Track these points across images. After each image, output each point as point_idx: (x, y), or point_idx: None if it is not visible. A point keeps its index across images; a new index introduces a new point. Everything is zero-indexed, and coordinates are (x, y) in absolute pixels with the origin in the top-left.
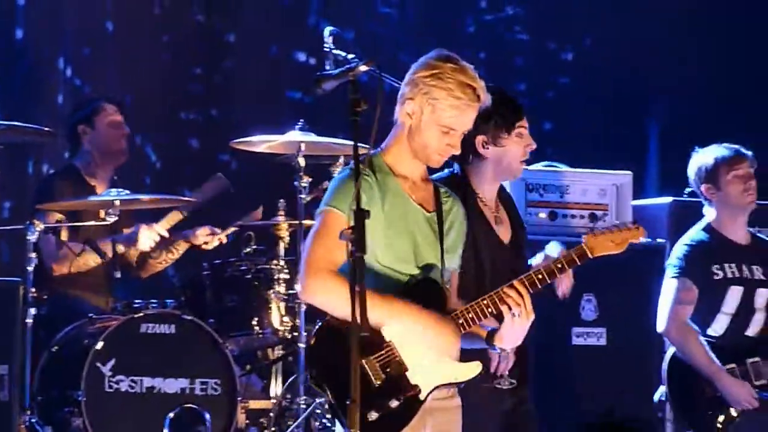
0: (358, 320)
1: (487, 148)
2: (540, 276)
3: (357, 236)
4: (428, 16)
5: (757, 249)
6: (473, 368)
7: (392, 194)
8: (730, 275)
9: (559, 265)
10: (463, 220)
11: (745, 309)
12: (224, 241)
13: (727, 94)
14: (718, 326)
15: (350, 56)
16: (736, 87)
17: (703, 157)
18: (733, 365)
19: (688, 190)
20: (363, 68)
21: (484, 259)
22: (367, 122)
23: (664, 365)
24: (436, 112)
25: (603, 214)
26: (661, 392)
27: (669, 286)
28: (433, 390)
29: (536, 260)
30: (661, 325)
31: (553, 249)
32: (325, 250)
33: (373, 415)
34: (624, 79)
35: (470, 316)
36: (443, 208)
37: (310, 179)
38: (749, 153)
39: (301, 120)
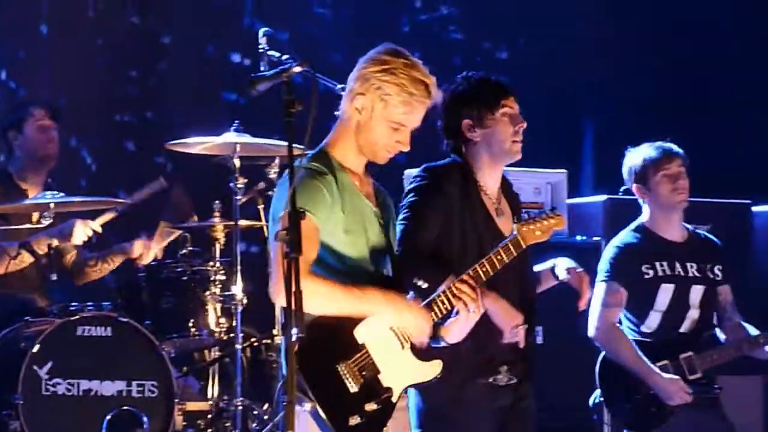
0: (293, 322)
1: (475, 132)
2: (484, 269)
3: (292, 237)
4: (363, 17)
5: (692, 246)
6: (435, 367)
7: (348, 191)
8: (661, 273)
9: (499, 257)
10: (395, 212)
11: (679, 306)
12: (159, 255)
13: (662, 91)
14: (651, 323)
15: (284, 57)
16: (670, 85)
17: (633, 158)
18: (666, 361)
19: (623, 187)
20: (297, 69)
21: (485, 248)
22: (302, 123)
23: (597, 368)
24: (387, 108)
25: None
26: (595, 395)
27: (597, 291)
28: (402, 391)
29: (542, 267)
30: (590, 330)
31: (565, 263)
32: None
33: (355, 420)
34: (559, 78)
35: (431, 310)
36: (380, 200)
37: (246, 180)
38: (679, 151)
39: (236, 121)
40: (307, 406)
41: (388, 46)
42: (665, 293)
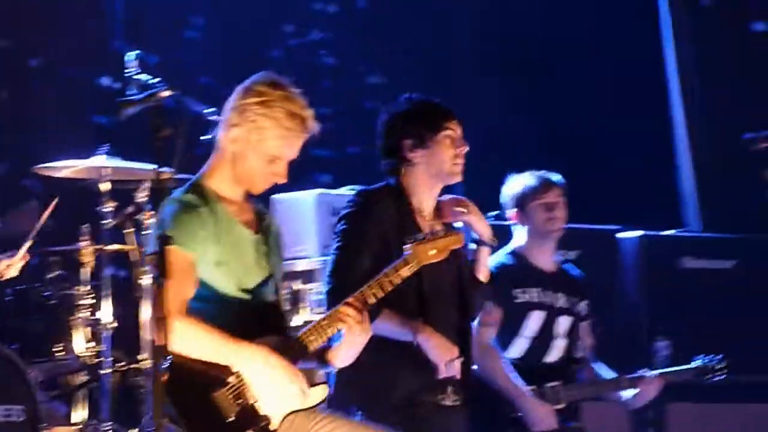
0: (160, 345)
1: (415, 152)
2: (373, 291)
3: (159, 263)
4: (233, 41)
5: (562, 278)
6: (321, 392)
7: (224, 222)
8: (531, 300)
9: (388, 278)
10: (281, 234)
11: (545, 335)
12: (16, 271)
13: (531, 114)
14: (518, 349)
15: (154, 81)
16: (538, 105)
17: (513, 184)
18: (533, 387)
19: (492, 213)
20: (166, 93)
21: (423, 275)
22: (171, 147)
23: None
24: (263, 141)
25: None
26: None
27: None
28: (285, 418)
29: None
30: None
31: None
32: (173, 290)
33: None
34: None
35: (312, 338)
36: (263, 225)
37: (115, 204)
38: (559, 181)
39: (106, 144)
40: None
41: (266, 76)
42: (534, 320)
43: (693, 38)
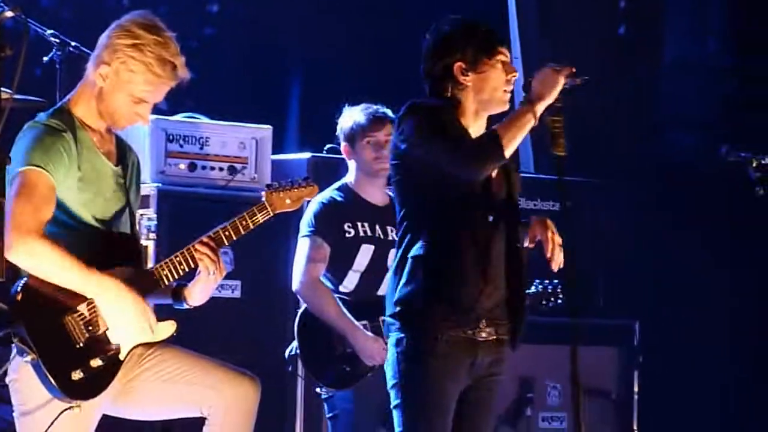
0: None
1: (467, 75)
2: (227, 233)
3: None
4: None
5: (393, 210)
6: (169, 327)
7: (86, 149)
8: (362, 234)
9: (244, 222)
10: (140, 169)
11: (377, 268)
12: None
13: (367, 48)
14: (349, 283)
15: None
16: (377, 40)
17: (345, 118)
18: (366, 321)
19: (327, 146)
20: (8, 14)
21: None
22: (11, 67)
23: (296, 321)
24: (131, 83)
25: (242, 167)
26: (291, 347)
27: (302, 245)
28: (132, 349)
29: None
30: (294, 284)
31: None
32: (32, 209)
33: (78, 374)
34: (266, 33)
35: (165, 273)
36: (124, 158)
37: None
38: (390, 117)
39: None
40: (29, 357)
41: (142, 18)
42: (364, 254)
43: None
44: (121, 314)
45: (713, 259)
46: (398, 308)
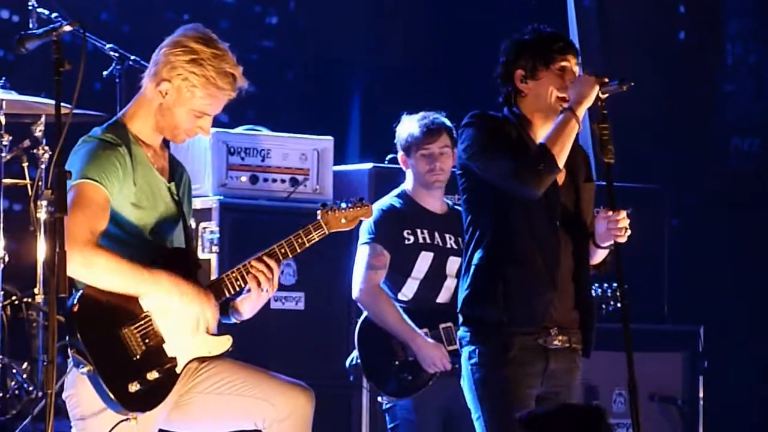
0: (58, 282)
1: (526, 83)
2: (282, 250)
3: (57, 197)
4: None
5: (451, 218)
6: (225, 342)
7: (140, 164)
8: (421, 240)
9: (299, 240)
10: (191, 186)
11: (436, 275)
12: None
13: (428, 58)
14: (408, 290)
15: (54, 15)
16: (437, 50)
17: (402, 128)
18: (426, 329)
19: (389, 156)
20: (67, 28)
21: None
22: (70, 82)
23: (356, 330)
24: (193, 97)
25: (304, 178)
26: (353, 357)
27: (361, 252)
28: (189, 363)
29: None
30: (354, 292)
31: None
32: (86, 221)
33: (135, 387)
34: (327, 44)
35: (222, 287)
36: (177, 174)
37: (10, 138)
38: (446, 127)
39: (2, 77)
40: (86, 368)
41: (197, 31)
42: (423, 261)
43: None
44: (182, 305)
45: None
46: (467, 318)
